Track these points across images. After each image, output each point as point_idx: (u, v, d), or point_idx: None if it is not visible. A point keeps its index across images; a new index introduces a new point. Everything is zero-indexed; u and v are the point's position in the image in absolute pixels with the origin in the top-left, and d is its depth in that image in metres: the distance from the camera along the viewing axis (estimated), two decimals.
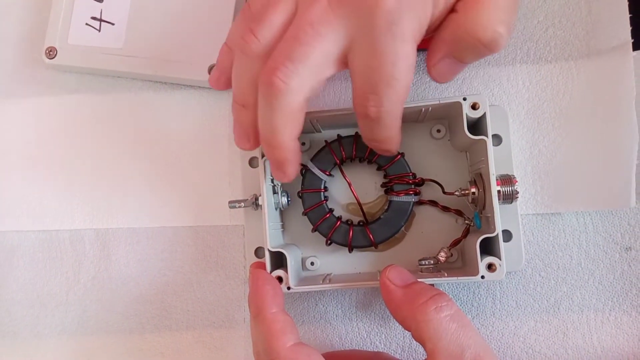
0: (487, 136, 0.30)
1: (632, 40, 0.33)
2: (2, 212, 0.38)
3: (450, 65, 0.28)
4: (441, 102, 0.31)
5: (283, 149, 0.27)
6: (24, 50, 0.39)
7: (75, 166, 0.38)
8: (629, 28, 0.33)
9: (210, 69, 0.35)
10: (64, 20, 0.37)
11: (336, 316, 0.35)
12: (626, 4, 0.34)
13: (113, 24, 0.37)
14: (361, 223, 0.34)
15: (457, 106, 0.31)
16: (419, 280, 0.30)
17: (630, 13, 0.34)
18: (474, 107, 0.31)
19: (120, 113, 0.38)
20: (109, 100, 0.38)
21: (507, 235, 0.33)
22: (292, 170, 0.28)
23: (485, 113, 0.30)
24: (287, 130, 0.26)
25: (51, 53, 0.37)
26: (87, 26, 0.37)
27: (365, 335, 0.35)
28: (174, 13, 0.36)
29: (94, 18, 0.37)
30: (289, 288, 0.31)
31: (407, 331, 0.28)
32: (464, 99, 0.31)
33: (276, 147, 0.27)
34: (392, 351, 0.35)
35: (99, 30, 0.37)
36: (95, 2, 0.37)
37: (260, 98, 0.26)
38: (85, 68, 0.37)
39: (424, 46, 0.29)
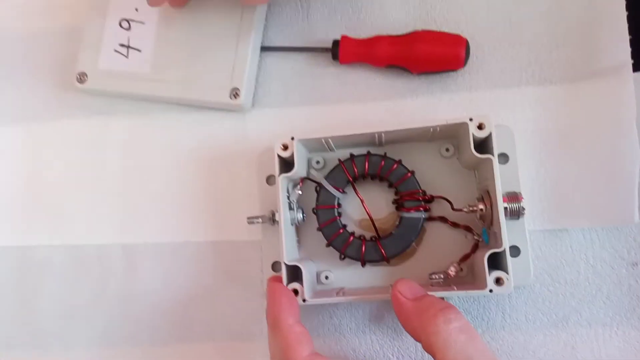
0: (493, 155, 0.32)
1: (632, 62, 0.34)
2: (34, 227, 0.40)
3: None
4: (449, 122, 0.32)
5: None
6: (57, 75, 0.42)
7: (104, 184, 0.40)
8: (629, 50, 0.35)
9: (230, 92, 0.37)
10: (94, 47, 0.40)
11: (350, 329, 0.36)
12: (626, 25, 0.35)
13: (140, 51, 0.39)
14: (373, 238, 0.35)
15: (464, 126, 0.32)
16: (429, 293, 0.31)
17: (630, 35, 0.35)
18: (480, 127, 0.32)
19: (147, 133, 0.40)
20: (136, 121, 0.40)
21: (516, 250, 0.34)
22: None
23: (491, 133, 0.32)
24: None
25: (82, 78, 0.40)
26: (115, 52, 0.40)
27: (379, 348, 0.36)
28: (197, 40, 0.38)
29: (122, 45, 0.40)
30: (304, 300, 0.32)
31: (418, 343, 0.29)
32: (471, 120, 0.32)
33: None
34: None
35: (127, 57, 0.39)
36: (123, 30, 0.40)
37: None
38: (114, 92, 0.40)
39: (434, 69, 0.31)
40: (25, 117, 0.42)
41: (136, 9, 0.39)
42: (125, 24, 0.40)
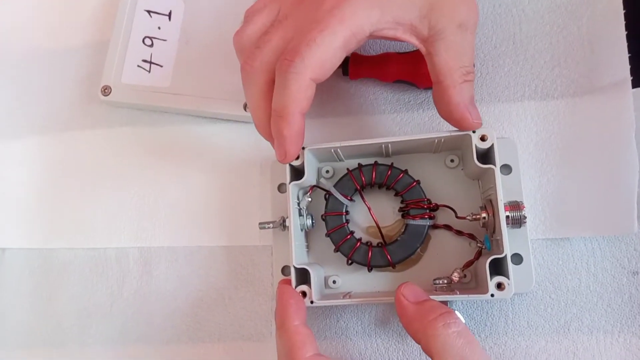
0: (495, 165, 0.33)
1: (631, 78, 0.36)
2: (57, 231, 0.42)
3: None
4: (453, 134, 0.34)
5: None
6: (82, 88, 0.45)
7: (124, 190, 0.42)
8: (628, 67, 0.36)
9: (245, 105, 0.39)
10: (118, 62, 0.42)
11: (356, 332, 0.38)
12: (625, 44, 0.37)
13: (161, 66, 0.42)
14: (380, 244, 0.37)
15: (467, 138, 0.34)
16: (432, 297, 0.32)
17: (629, 53, 0.36)
18: (482, 139, 0.33)
19: (165, 143, 0.42)
20: (156, 132, 0.42)
21: (518, 258, 0.35)
22: (292, 150, 0.31)
23: (493, 144, 0.33)
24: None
25: (106, 91, 0.42)
26: (138, 67, 0.42)
27: (384, 351, 0.37)
28: (214, 57, 0.41)
29: (144, 60, 0.42)
30: (312, 302, 0.34)
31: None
32: (474, 132, 0.34)
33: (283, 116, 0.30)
34: None
35: (149, 72, 0.42)
36: (146, 46, 0.42)
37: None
38: (136, 104, 0.42)
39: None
40: (51, 127, 0.44)
41: (159, 27, 0.42)
42: (148, 41, 0.42)
